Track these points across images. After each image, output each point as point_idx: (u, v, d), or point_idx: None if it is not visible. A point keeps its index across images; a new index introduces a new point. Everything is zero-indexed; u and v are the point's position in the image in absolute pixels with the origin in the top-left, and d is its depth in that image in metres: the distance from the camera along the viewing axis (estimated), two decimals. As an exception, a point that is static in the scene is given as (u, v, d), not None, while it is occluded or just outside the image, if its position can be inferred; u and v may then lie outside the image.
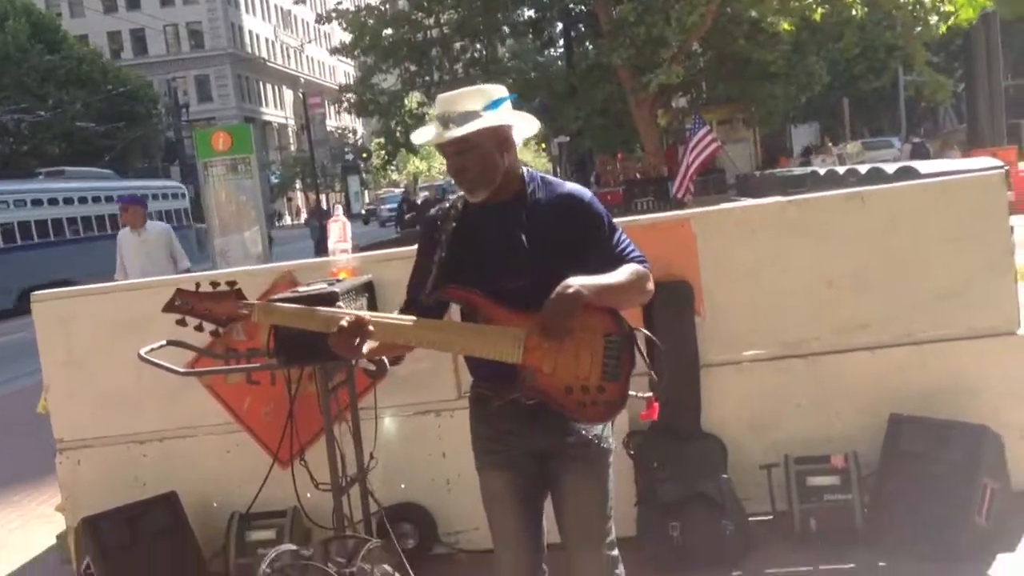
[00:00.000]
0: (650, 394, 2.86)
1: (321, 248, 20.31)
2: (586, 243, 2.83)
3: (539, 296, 2.68)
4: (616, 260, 2.83)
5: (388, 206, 51.82)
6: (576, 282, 2.66)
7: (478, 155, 2.76)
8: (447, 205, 2.94)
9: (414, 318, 2.82)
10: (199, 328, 2.85)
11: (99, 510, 4.58)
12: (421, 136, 2.88)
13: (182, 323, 2.82)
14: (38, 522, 6.31)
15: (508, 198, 2.85)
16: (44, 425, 5.11)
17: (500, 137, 2.79)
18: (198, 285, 2.84)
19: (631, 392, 2.78)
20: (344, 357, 2.80)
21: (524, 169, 2.91)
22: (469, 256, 2.84)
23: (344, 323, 2.69)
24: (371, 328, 2.71)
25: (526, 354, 2.71)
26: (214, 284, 2.82)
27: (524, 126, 2.90)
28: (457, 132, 2.71)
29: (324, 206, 36.70)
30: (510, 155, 2.83)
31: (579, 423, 2.82)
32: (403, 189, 52.31)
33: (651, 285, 2.88)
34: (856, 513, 4.33)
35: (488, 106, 2.76)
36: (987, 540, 4.07)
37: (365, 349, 2.75)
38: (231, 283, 2.82)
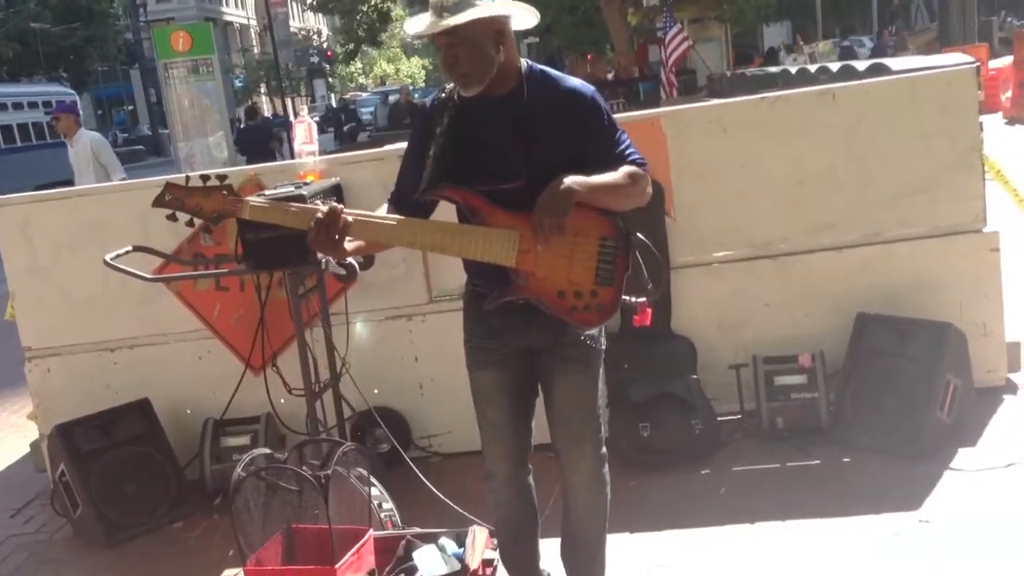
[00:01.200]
0: (643, 299, 2.83)
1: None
2: (586, 142, 2.71)
3: (535, 197, 2.60)
4: (615, 160, 2.73)
5: (317, 116, 46.25)
6: (569, 179, 2.59)
7: (471, 47, 2.60)
8: (443, 96, 2.79)
9: (401, 218, 2.73)
10: (190, 224, 2.77)
11: (71, 418, 4.57)
12: (414, 25, 2.71)
13: (172, 219, 2.72)
14: (10, 430, 6.31)
15: (505, 92, 2.71)
16: (14, 332, 5.06)
17: (496, 28, 2.63)
18: (188, 179, 2.75)
19: (624, 297, 2.75)
20: (327, 255, 2.70)
21: (523, 62, 2.76)
22: (463, 153, 2.73)
23: (320, 215, 2.60)
24: (350, 219, 2.62)
25: (520, 257, 2.66)
26: (204, 178, 2.75)
27: (523, 17, 2.75)
28: (449, 22, 2.56)
29: (270, 112, 31.80)
30: (507, 48, 2.67)
31: (571, 327, 2.78)
32: (344, 96, 46.47)
33: (649, 188, 2.79)
34: (822, 411, 4.42)
35: None
36: (949, 435, 4.16)
37: (349, 247, 2.68)
38: (221, 178, 2.74)
